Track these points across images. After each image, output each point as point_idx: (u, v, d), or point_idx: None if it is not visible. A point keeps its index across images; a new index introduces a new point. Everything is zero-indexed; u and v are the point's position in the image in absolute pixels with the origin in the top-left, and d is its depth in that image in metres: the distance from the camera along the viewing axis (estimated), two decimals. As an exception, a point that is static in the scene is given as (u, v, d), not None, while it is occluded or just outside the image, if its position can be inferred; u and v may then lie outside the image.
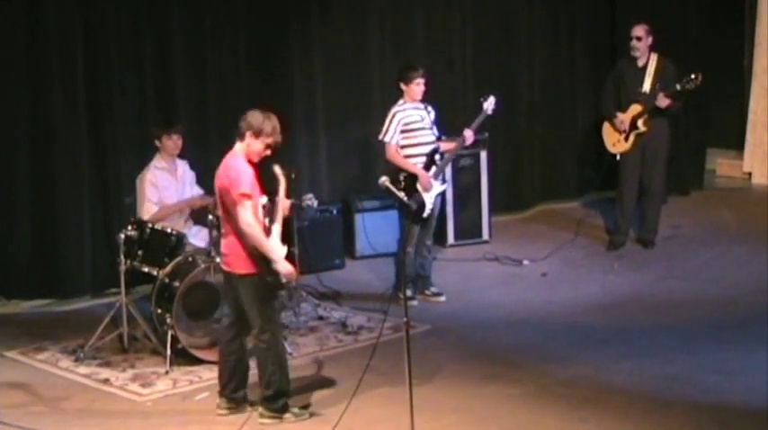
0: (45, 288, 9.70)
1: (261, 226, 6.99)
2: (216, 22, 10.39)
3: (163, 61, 10.14)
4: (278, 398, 7.11)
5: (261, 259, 6.95)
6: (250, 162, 7.05)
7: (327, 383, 7.73)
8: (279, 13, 10.73)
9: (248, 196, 6.88)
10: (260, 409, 7.17)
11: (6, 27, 9.40)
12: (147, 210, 8.80)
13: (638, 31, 10.60)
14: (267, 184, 7.32)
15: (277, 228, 7.12)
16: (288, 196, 7.34)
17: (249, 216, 6.87)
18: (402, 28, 11.54)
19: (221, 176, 7.04)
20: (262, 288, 7.01)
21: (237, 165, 6.99)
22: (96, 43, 9.70)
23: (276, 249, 7.00)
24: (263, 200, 7.13)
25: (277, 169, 7.25)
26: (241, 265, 7.03)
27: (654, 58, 10.62)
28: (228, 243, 7.08)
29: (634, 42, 10.59)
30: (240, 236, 6.95)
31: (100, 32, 9.71)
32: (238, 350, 7.32)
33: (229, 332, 7.34)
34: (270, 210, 7.16)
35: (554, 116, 12.57)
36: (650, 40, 10.62)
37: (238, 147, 7.08)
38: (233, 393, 7.33)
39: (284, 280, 7.06)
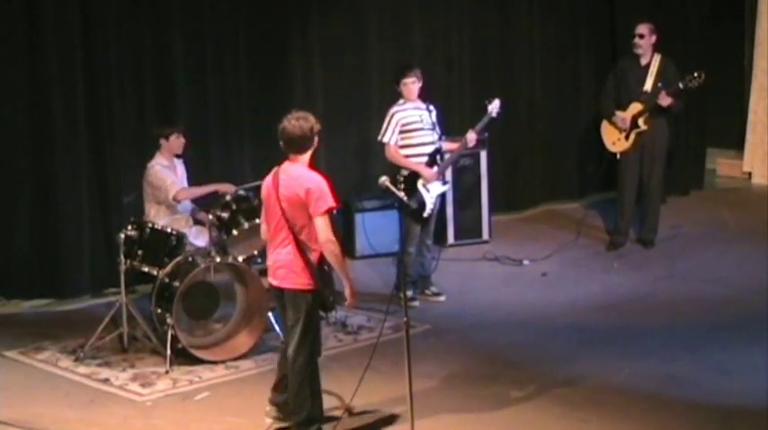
0: (45, 288, 9.69)
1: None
2: (216, 23, 10.39)
3: (162, 62, 10.13)
4: (310, 424, 6.86)
5: (320, 277, 6.73)
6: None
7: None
8: (279, 14, 10.72)
9: (333, 207, 6.71)
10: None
11: (6, 27, 9.39)
12: (173, 186, 8.82)
13: (642, 29, 10.59)
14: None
15: None
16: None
17: (330, 232, 6.65)
18: (401, 29, 11.53)
19: (293, 187, 6.72)
20: (315, 306, 6.77)
21: (315, 176, 6.75)
22: (96, 43, 9.69)
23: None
24: None
25: None
26: (297, 280, 6.75)
27: (657, 57, 10.61)
28: (285, 255, 6.78)
29: (636, 40, 10.58)
30: (303, 250, 6.71)
31: (99, 32, 9.71)
32: None
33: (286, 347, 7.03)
34: None
35: (555, 116, 12.56)
36: (654, 38, 10.61)
37: (303, 158, 6.81)
38: (287, 402, 7.01)
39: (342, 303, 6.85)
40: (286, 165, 6.85)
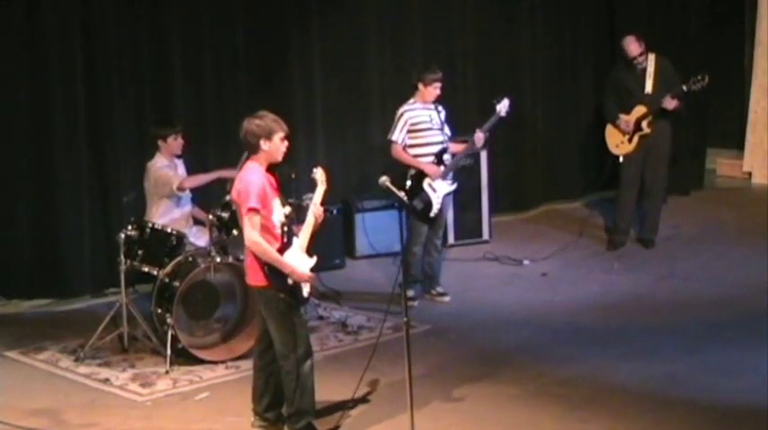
0: (45, 288, 9.70)
1: (278, 238, 6.72)
2: (214, 24, 10.39)
3: (161, 63, 10.14)
4: (300, 418, 6.84)
5: (274, 273, 6.70)
6: (269, 168, 6.80)
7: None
8: (278, 15, 10.72)
9: (255, 210, 6.62)
10: (285, 428, 6.96)
11: (6, 27, 9.40)
12: (176, 177, 8.83)
13: (636, 48, 10.46)
14: (285, 189, 7.24)
15: (303, 236, 6.84)
16: (323, 203, 6.99)
17: (254, 233, 6.62)
18: (401, 29, 11.52)
19: (235, 189, 6.82)
20: (276, 303, 6.74)
21: (247, 178, 6.72)
22: (96, 44, 9.70)
23: (291, 260, 6.72)
24: (287, 210, 6.82)
25: (317, 173, 6.98)
26: (255, 278, 6.78)
27: (651, 58, 10.59)
28: (246, 255, 6.87)
29: (639, 59, 10.49)
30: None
31: (99, 34, 9.72)
32: (270, 364, 6.97)
33: (260, 344, 7.07)
34: (292, 220, 6.88)
35: (556, 116, 12.56)
36: (644, 44, 10.57)
37: (252, 160, 6.77)
38: (265, 411, 7.04)
39: (305, 294, 6.80)
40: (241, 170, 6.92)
